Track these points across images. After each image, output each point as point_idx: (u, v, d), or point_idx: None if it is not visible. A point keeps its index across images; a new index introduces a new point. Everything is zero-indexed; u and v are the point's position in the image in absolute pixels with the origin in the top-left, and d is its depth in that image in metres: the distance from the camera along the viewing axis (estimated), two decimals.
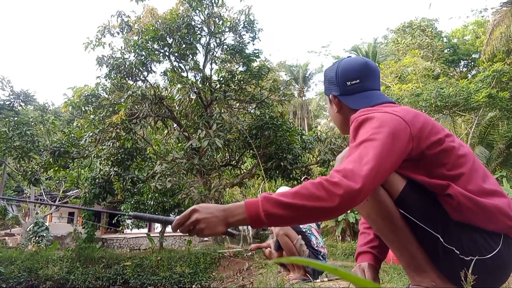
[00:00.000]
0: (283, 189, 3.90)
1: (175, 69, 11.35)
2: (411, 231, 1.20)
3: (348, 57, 1.48)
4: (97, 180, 11.50)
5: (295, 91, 32.28)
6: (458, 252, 1.14)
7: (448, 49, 24.65)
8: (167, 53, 11.27)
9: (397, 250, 1.27)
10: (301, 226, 3.54)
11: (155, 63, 11.42)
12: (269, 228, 4.24)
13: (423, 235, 1.18)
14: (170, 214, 15.05)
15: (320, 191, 1.03)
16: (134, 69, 10.89)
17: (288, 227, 3.47)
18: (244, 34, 11.78)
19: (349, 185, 1.02)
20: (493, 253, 1.13)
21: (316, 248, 3.55)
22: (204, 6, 11.19)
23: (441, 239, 1.15)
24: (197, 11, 11.20)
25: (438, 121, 15.69)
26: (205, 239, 18.61)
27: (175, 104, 11.90)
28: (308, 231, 3.56)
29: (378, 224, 1.26)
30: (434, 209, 1.17)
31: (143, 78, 11.47)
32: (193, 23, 11.08)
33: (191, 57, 11.13)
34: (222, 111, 11.05)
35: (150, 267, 11.08)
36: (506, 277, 1.23)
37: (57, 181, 18.51)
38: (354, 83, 1.37)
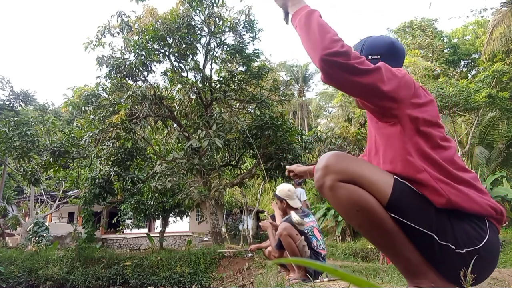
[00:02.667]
0: (284, 186, 3.91)
1: (175, 69, 11.34)
2: (404, 235, 1.20)
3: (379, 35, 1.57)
4: (97, 180, 11.50)
5: (295, 91, 32.28)
6: (454, 247, 1.17)
7: (448, 49, 24.64)
8: (167, 53, 11.26)
9: (393, 256, 1.27)
10: (303, 227, 3.54)
11: (155, 63, 11.42)
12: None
13: (418, 237, 1.19)
14: (170, 214, 15.06)
15: (327, 35, 1.23)
16: (134, 69, 10.88)
17: (291, 227, 3.47)
18: (244, 34, 11.78)
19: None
20: (484, 241, 1.18)
21: (317, 250, 3.55)
22: (204, 6, 11.18)
23: (435, 237, 1.17)
24: (197, 11, 11.19)
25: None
26: (205, 239, 18.62)
27: (175, 104, 11.90)
28: (310, 233, 3.56)
29: (371, 233, 1.26)
30: (423, 207, 1.20)
31: (143, 78, 11.46)
32: (193, 23, 11.07)
33: (191, 57, 11.13)
34: (222, 111, 11.04)
35: (150, 267, 11.07)
36: (496, 262, 1.28)
37: (57, 181, 18.51)
38: (375, 58, 1.45)
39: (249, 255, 9.80)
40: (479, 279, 1.22)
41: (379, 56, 1.46)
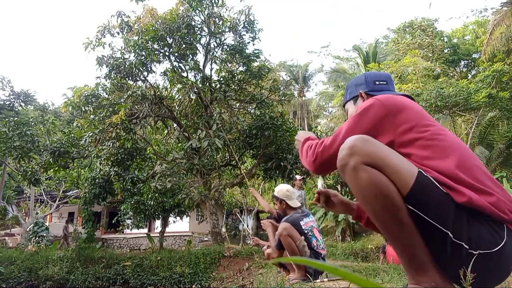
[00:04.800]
0: (282, 187, 3.91)
1: (175, 69, 11.34)
2: (416, 229, 1.20)
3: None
4: (97, 180, 11.50)
5: (295, 91, 32.28)
6: (467, 247, 1.15)
7: (448, 49, 24.62)
8: (167, 53, 11.26)
9: (400, 248, 1.25)
10: (303, 227, 3.54)
11: (155, 63, 11.41)
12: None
13: (432, 232, 1.18)
14: (170, 214, 15.07)
15: (307, 150, 1.58)
16: (134, 69, 10.87)
17: (291, 227, 3.47)
18: (244, 34, 11.77)
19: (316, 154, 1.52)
20: (500, 246, 1.15)
21: (317, 250, 3.55)
22: (204, 6, 11.18)
23: (450, 234, 1.16)
24: (197, 11, 11.19)
25: (438, 121, 15.69)
26: (205, 239, 18.62)
27: (175, 104, 11.90)
28: (310, 233, 3.56)
29: (384, 221, 1.24)
30: (443, 204, 1.19)
31: (143, 78, 11.46)
32: (193, 23, 11.07)
33: (191, 57, 11.12)
34: (222, 111, 11.04)
35: (150, 267, 11.07)
36: (510, 271, 1.25)
37: (57, 181, 18.52)
38: (382, 83, 1.66)
39: (251, 245, 9.76)
40: (488, 285, 1.21)
41: (385, 82, 1.67)
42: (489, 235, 1.17)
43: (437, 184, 1.21)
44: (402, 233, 1.21)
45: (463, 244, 1.16)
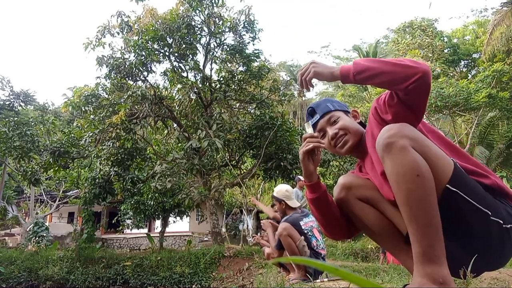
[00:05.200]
0: (281, 187, 3.91)
1: (175, 69, 11.34)
2: (450, 213, 1.29)
3: None
4: (97, 180, 11.50)
5: (295, 91, 32.25)
6: (502, 222, 1.29)
7: (448, 49, 24.62)
8: (167, 53, 11.26)
9: (420, 235, 1.23)
10: (303, 227, 3.54)
11: (155, 63, 11.41)
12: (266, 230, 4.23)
13: (473, 214, 1.29)
14: (170, 214, 15.07)
15: (406, 62, 1.33)
16: (134, 69, 10.87)
17: (291, 228, 3.47)
18: (244, 34, 11.77)
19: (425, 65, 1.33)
20: None
21: (317, 250, 3.55)
22: (204, 6, 11.18)
23: (489, 212, 1.28)
24: (197, 11, 11.19)
25: (438, 121, 15.72)
26: (205, 239, 18.63)
27: (175, 104, 11.90)
28: (310, 233, 3.56)
29: (416, 203, 1.24)
30: (478, 188, 1.33)
31: (143, 78, 11.46)
32: (193, 23, 11.07)
33: (191, 57, 11.12)
34: (222, 111, 11.04)
35: (150, 267, 11.07)
36: None
37: (57, 181, 18.51)
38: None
39: (252, 242, 9.76)
40: (507, 259, 1.43)
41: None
42: (511, 210, 1.33)
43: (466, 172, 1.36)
44: (428, 219, 1.24)
45: (499, 220, 1.28)
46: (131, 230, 19.15)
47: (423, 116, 1.45)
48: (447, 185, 1.28)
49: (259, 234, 4.31)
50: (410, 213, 1.26)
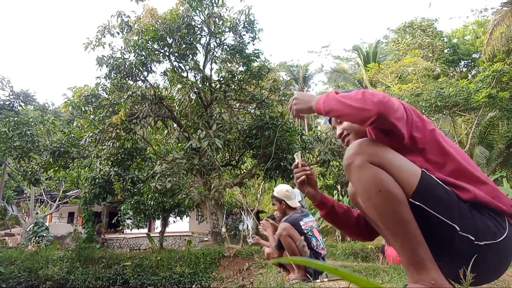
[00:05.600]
0: (282, 187, 3.91)
1: (175, 69, 11.34)
2: (417, 227, 1.23)
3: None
4: (97, 180, 11.49)
5: (295, 91, 32.25)
6: (474, 239, 1.21)
7: (448, 49, 24.63)
8: (167, 53, 11.26)
9: (400, 245, 1.26)
10: (303, 227, 3.54)
11: (155, 63, 11.40)
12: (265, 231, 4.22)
13: (439, 227, 1.23)
14: (170, 214, 15.07)
15: (363, 95, 1.30)
16: (134, 69, 10.87)
17: (291, 228, 3.47)
18: (244, 34, 11.76)
19: (382, 98, 1.28)
20: (503, 237, 1.22)
21: (317, 250, 3.55)
22: (204, 6, 11.17)
23: (457, 227, 1.22)
24: (197, 11, 11.18)
25: (438, 121, 15.72)
26: (205, 239, 18.64)
27: (175, 104, 11.89)
28: (310, 233, 3.56)
29: (386, 217, 1.26)
30: (448, 199, 1.25)
31: (143, 78, 11.45)
32: (193, 23, 11.06)
33: (191, 57, 11.12)
34: (222, 111, 11.04)
35: (150, 267, 11.07)
36: (509, 262, 1.32)
37: (57, 181, 18.51)
38: None
39: (251, 242, 9.78)
40: (491, 277, 1.30)
41: None
42: (493, 226, 1.24)
43: (440, 182, 1.28)
44: (402, 230, 1.23)
45: (469, 236, 1.21)
46: (131, 230, 19.15)
47: (407, 129, 1.38)
48: (410, 199, 1.24)
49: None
50: (385, 227, 1.29)
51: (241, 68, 11.81)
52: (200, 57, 11.99)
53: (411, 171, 1.28)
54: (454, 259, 1.25)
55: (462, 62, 25.52)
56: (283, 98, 12.52)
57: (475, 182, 1.31)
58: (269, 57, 44.45)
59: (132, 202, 13.94)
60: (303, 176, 1.65)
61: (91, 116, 11.08)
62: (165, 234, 15.67)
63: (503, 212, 1.27)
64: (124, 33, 11.61)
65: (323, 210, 1.69)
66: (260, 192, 17.56)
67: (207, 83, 11.28)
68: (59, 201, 20.31)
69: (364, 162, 1.27)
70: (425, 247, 1.22)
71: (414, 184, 1.25)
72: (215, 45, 11.92)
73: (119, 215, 18.74)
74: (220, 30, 11.46)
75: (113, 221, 19.46)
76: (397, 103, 1.33)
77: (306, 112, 1.49)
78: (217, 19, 11.46)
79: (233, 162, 13.12)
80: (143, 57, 10.75)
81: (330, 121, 1.80)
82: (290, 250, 3.43)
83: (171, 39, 10.91)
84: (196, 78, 11.51)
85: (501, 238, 1.22)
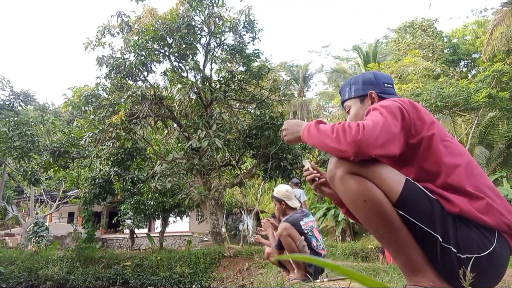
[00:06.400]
0: (281, 187, 3.91)
1: (175, 69, 11.33)
2: (408, 231, 1.22)
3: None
4: (97, 180, 11.50)
5: (295, 91, 32.27)
6: (455, 251, 1.18)
7: (448, 49, 24.62)
8: (167, 53, 11.26)
9: (394, 251, 1.27)
10: (303, 227, 3.54)
11: (155, 63, 11.40)
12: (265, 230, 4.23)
13: (423, 236, 1.21)
14: (170, 214, 15.06)
15: (337, 134, 1.28)
16: (134, 69, 10.87)
17: (291, 228, 3.47)
18: (244, 34, 11.76)
19: (354, 136, 1.23)
20: (488, 251, 1.18)
21: (317, 250, 3.55)
22: (204, 6, 11.17)
23: (440, 238, 1.19)
24: (197, 11, 11.18)
25: (438, 121, 15.70)
26: (205, 239, 18.62)
27: (175, 104, 11.89)
28: (310, 233, 3.56)
29: (376, 226, 1.27)
30: (432, 209, 1.22)
31: (143, 78, 11.45)
32: (193, 23, 11.06)
33: (191, 57, 11.12)
34: (222, 111, 11.03)
35: (150, 267, 11.06)
36: (500, 276, 1.26)
37: (57, 181, 18.51)
38: (390, 85, 1.66)
39: (252, 239, 9.76)
40: None
41: (391, 85, 1.67)
42: (478, 240, 1.20)
43: (426, 190, 1.25)
44: (394, 236, 1.23)
45: (451, 248, 1.19)
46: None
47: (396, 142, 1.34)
48: (393, 207, 1.23)
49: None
50: (376, 235, 1.30)
51: (241, 68, 11.81)
52: (200, 57, 12.00)
53: (395, 180, 1.25)
54: (441, 270, 1.23)
55: (462, 62, 25.51)
56: (283, 98, 12.51)
57: (467, 196, 1.25)
58: (269, 57, 44.46)
59: (132, 202, 13.94)
60: (312, 175, 1.63)
61: (91, 116, 11.07)
62: (165, 234, 15.67)
63: (492, 228, 1.22)
64: (124, 33, 11.61)
65: (343, 208, 1.65)
66: (260, 192, 17.55)
67: (207, 83, 11.27)
68: (59, 201, 20.30)
69: (345, 174, 1.27)
70: (417, 250, 1.22)
71: (398, 192, 1.23)
72: (215, 45, 11.93)
73: (119, 215, 18.73)
74: (220, 30, 11.46)
75: (113, 221, 19.45)
76: (382, 122, 1.26)
77: (296, 142, 1.55)
78: (217, 19, 11.46)
79: (233, 162, 13.12)
80: (143, 57, 10.75)
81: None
82: (290, 250, 3.43)
83: (171, 39, 10.91)
84: (196, 78, 11.51)
85: (485, 253, 1.18)
